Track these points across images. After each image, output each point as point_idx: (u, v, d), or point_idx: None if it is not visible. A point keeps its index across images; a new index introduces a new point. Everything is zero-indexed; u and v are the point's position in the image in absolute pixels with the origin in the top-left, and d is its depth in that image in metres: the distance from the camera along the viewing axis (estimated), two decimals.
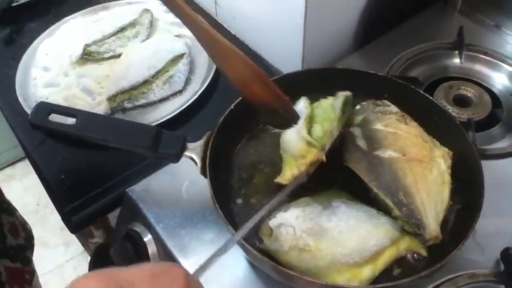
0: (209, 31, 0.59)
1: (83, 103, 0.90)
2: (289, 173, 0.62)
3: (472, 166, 0.63)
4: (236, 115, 0.69)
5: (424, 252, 0.60)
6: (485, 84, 0.87)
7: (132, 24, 1.01)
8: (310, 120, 0.64)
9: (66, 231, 0.80)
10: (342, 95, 0.68)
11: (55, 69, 0.96)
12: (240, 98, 0.69)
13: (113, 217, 0.82)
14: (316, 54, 0.89)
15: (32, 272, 0.82)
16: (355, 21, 0.93)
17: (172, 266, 0.40)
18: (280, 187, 0.62)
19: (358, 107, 0.71)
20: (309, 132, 0.63)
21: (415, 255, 0.60)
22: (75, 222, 0.75)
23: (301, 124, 0.63)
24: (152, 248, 0.69)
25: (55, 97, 0.90)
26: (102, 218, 0.82)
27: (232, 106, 0.69)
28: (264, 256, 0.55)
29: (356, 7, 0.90)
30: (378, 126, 0.66)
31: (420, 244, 0.60)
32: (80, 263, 1.78)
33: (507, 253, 0.62)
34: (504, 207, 0.70)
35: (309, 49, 0.87)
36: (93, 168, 0.82)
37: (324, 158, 0.61)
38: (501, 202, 0.70)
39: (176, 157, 0.64)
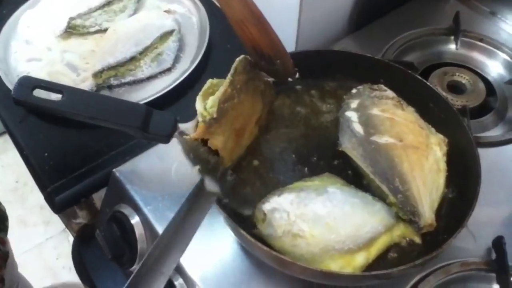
0: None
1: (67, 79, 0.86)
2: None
3: (469, 154, 0.63)
4: None
5: (418, 240, 0.59)
6: (479, 71, 0.87)
7: None
8: (205, 94, 0.62)
9: (46, 210, 0.78)
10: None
11: (38, 43, 0.92)
12: None
13: (98, 197, 0.80)
14: (310, 36, 0.87)
15: (5, 255, 0.79)
16: (350, 3, 0.90)
17: None
18: None
19: (354, 91, 0.70)
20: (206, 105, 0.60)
21: (409, 241, 0.59)
22: (59, 202, 0.73)
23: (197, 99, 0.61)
24: (139, 231, 0.67)
25: (38, 72, 0.86)
26: (87, 198, 0.80)
27: None
28: (258, 242, 0.54)
29: None
30: (375, 111, 0.65)
31: (414, 231, 0.59)
32: (60, 242, 1.75)
33: (499, 242, 0.62)
34: (496, 196, 0.70)
35: (303, 30, 0.84)
36: (77, 146, 0.79)
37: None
38: (493, 190, 0.70)
39: (167, 138, 0.62)
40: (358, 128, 0.63)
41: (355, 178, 0.64)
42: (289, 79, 0.64)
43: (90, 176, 0.75)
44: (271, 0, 0.85)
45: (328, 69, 0.73)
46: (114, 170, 0.72)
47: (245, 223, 0.59)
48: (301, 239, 0.55)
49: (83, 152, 0.78)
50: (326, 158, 0.66)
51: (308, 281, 0.59)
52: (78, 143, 0.79)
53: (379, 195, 0.61)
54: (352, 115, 0.65)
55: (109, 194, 0.75)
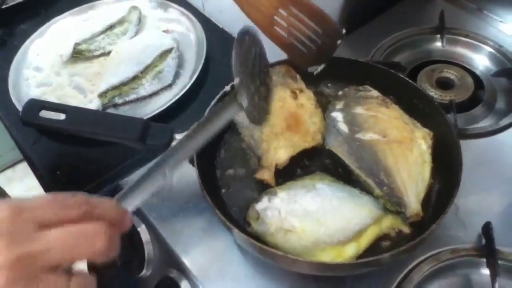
0: None
1: (75, 101, 0.92)
2: None
3: (451, 146, 0.65)
4: None
5: (406, 229, 0.61)
6: (467, 66, 0.89)
7: (121, 22, 1.03)
8: None
9: None
10: None
11: (47, 69, 0.99)
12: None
13: None
14: None
15: None
16: (339, 9, 0.94)
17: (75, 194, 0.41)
18: None
19: (340, 93, 0.73)
20: None
21: (398, 231, 0.62)
22: None
23: None
24: (145, 236, 0.71)
25: (48, 97, 0.92)
26: None
27: (218, 97, 0.71)
28: (250, 238, 0.57)
29: None
30: (359, 110, 0.68)
31: (402, 221, 0.62)
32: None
33: (488, 228, 0.64)
34: (485, 184, 0.72)
35: None
36: (87, 163, 0.84)
37: None
38: (482, 179, 0.72)
39: (165, 148, 0.66)
40: (343, 127, 0.67)
41: (345, 175, 0.67)
42: (338, 41, 0.67)
43: (99, 190, 0.79)
44: None
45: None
46: (120, 182, 0.76)
47: (240, 223, 0.63)
48: (292, 234, 0.58)
49: (92, 168, 0.83)
50: (317, 159, 0.70)
51: (305, 275, 0.62)
52: (87, 160, 0.84)
53: (367, 189, 0.64)
54: (337, 115, 0.68)
55: None
